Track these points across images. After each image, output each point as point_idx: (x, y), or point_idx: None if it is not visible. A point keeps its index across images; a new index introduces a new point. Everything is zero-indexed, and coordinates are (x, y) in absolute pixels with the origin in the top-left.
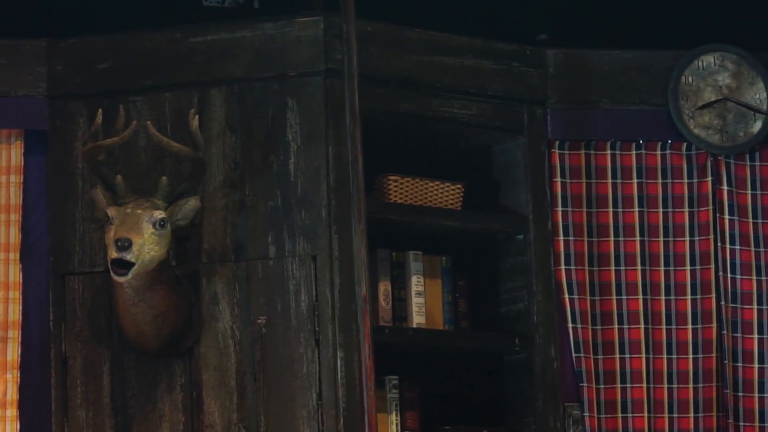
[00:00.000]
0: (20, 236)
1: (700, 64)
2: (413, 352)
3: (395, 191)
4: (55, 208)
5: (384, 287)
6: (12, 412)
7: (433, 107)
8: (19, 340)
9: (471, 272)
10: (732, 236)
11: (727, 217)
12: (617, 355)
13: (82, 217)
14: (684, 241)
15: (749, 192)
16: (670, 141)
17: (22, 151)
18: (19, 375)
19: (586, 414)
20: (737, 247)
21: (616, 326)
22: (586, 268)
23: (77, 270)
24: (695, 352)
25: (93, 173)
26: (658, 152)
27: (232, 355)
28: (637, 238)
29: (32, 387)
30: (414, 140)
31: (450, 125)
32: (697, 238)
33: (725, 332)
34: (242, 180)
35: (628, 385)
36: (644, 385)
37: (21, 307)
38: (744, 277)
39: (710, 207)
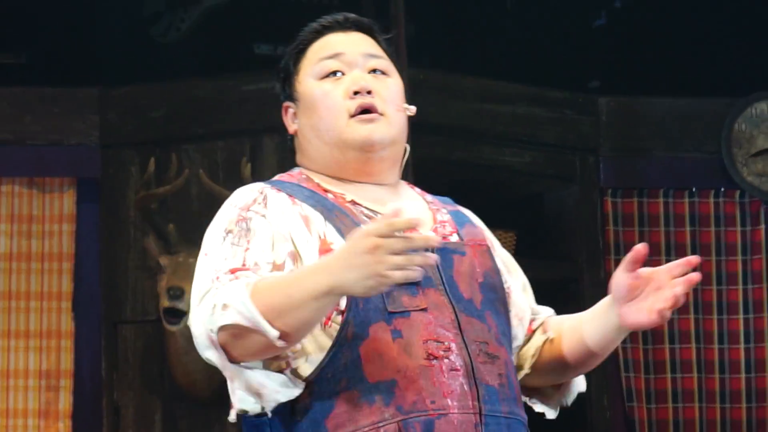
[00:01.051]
0: (72, 285)
1: (753, 111)
2: None
3: None
4: (107, 257)
5: None
6: None
7: (486, 155)
8: (72, 389)
9: None
10: None
11: None
12: (670, 405)
13: (134, 266)
14: (737, 289)
15: None
16: (723, 189)
17: (75, 199)
18: (71, 424)
19: None
20: None
21: (669, 375)
22: None
23: (129, 318)
24: (749, 401)
25: (145, 222)
26: (711, 200)
27: None
28: None
29: None
30: (466, 187)
31: (502, 173)
32: (750, 287)
33: None
34: None
35: None
36: None
37: (73, 356)
38: None
39: (764, 255)
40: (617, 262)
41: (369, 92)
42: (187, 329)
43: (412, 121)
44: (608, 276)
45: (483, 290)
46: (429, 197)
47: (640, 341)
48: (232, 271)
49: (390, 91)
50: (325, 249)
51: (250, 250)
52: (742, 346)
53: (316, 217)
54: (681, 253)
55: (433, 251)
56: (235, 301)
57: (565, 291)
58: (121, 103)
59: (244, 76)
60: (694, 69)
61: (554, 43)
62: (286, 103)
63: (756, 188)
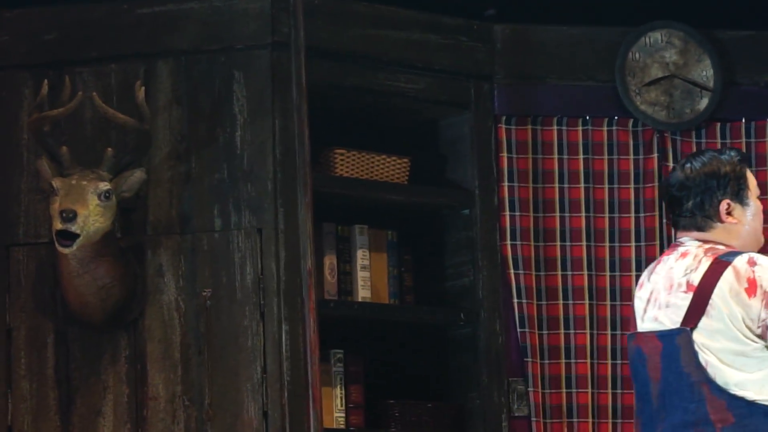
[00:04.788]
0: None
1: (647, 40)
2: (358, 326)
3: (341, 165)
4: None
5: (329, 261)
6: None
7: (380, 81)
8: None
9: (417, 247)
10: None
11: None
12: (562, 331)
13: (27, 188)
14: (629, 217)
15: None
16: (616, 117)
17: None
18: None
19: (530, 389)
20: None
21: (561, 302)
22: (532, 243)
23: (22, 241)
24: None
25: (38, 144)
26: (605, 128)
27: (176, 328)
28: (583, 214)
29: None
30: (360, 114)
31: (397, 99)
32: (642, 215)
33: None
34: (188, 152)
35: (573, 361)
36: (588, 360)
37: None
38: None
39: (656, 183)
40: (510, 189)
41: None
42: (80, 252)
43: (307, 46)
44: (501, 203)
45: None
46: None
47: (533, 268)
48: None
49: None
50: None
51: None
52: (633, 273)
53: None
54: (574, 181)
55: None
56: None
57: (458, 217)
58: (14, 25)
59: (139, 0)
60: None
61: None
62: (728, 200)
63: (649, 117)
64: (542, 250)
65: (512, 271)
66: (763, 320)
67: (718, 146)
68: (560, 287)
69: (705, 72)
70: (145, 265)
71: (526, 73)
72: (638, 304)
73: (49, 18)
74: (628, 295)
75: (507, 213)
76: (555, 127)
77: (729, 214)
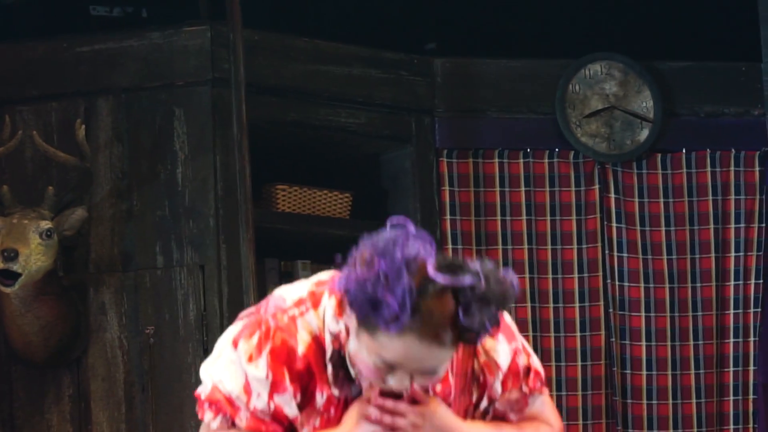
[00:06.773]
0: None
1: (587, 72)
2: None
3: (283, 200)
4: None
5: None
6: None
7: (321, 116)
8: None
9: None
10: (619, 244)
11: (614, 224)
12: None
13: None
14: (572, 248)
15: (636, 200)
16: (557, 149)
17: None
18: None
19: None
20: (625, 254)
21: None
22: None
23: None
24: (584, 359)
25: None
26: (546, 161)
27: (120, 366)
28: (525, 246)
29: None
30: (302, 149)
31: (338, 134)
32: (584, 246)
33: (613, 340)
34: (130, 190)
35: None
36: None
37: None
38: (631, 284)
39: (598, 215)
40: (452, 223)
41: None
42: (22, 291)
43: (248, 82)
44: (443, 236)
45: None
46: None
47: None
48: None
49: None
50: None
51: None
52: (576, 305)
53: None
54: (516, 213)
55: None
56: None
57: None
58: None
59: (79, 38)
60: (529, 30)
61: (389, 4)
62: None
63: (590, 149)
64: None
65: None
66: None
67: (659, 177)
68: None
69: (645, 103)
70: (87, 303)
71: (466, 107)
72: None
73: None
74: (572, 327)
75: (450, 246)
76: (496, 160)
77: None
